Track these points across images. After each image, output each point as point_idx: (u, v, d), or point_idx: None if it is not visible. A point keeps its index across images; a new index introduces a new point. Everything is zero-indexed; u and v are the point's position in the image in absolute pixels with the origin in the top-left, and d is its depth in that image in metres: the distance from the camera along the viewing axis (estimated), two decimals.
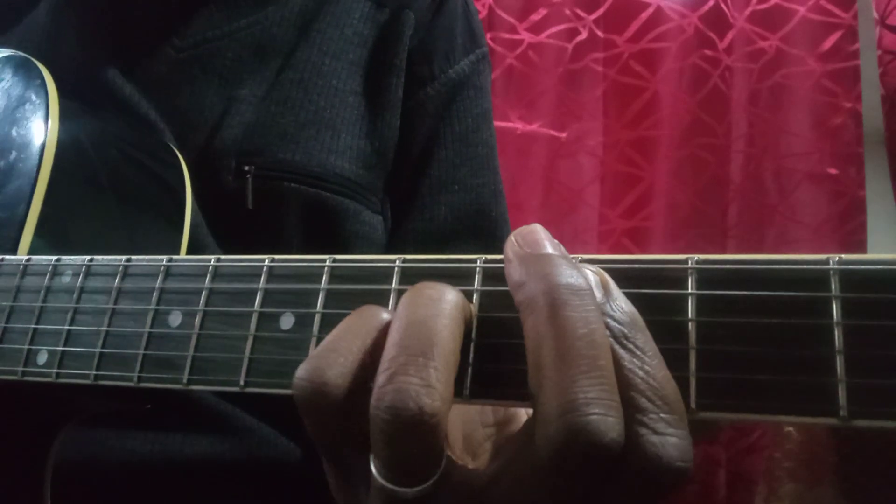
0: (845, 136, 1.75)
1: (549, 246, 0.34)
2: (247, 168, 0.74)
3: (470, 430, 0.48)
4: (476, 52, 0.91)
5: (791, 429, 1.71)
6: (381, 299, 0.39)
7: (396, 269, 0.40)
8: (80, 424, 0.60)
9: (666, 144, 1.83)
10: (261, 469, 0.73)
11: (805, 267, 0.33)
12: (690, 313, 0.34)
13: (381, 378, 0.32)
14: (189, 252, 0.69)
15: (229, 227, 0.74)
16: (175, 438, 0.70)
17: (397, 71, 0.84)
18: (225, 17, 0.83)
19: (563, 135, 1.85)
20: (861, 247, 1.69)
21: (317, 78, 0.81)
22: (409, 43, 0.85)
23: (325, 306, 0.40)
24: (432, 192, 0.83)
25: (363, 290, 0.40)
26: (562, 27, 1.89)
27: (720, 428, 1.66)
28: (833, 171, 1.74)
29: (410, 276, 0.39)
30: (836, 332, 0.31)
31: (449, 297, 0.35)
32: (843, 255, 0.32)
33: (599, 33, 1.89)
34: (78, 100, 0.71)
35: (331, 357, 0.34)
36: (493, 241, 0.83)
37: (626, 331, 0.32)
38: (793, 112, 1.80)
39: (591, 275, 0.34)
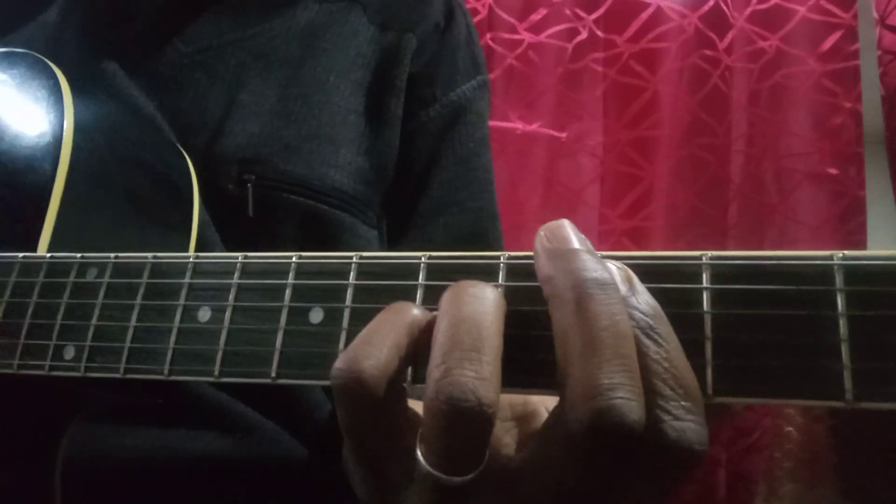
0: (845, 136, 1.76)
1: (576, 241, 0.36)
2: (247, 177, 0.75)
3: None
4: (477, 79, 0.94)
5: (791, 429, 1.71)
6: (407, 294, 0.41)
7: (422, 265, 0.41)
8: (83, 420, 0.60)
9: (666, 144, 1.83)
10: (264, 466, 0.73)
11: (812, 262, 0.35)
12: (706, 306, 0.36)
13: (436, 372, 0.34)
14: (197, 248, 0.70)
15: (226, 230, 0.76)
16: (178, 434, 0.70)
17: (397, 91, 0.86)
18: (231, 25, 0.85)
19: (563, 135, 1.86)
20: (861, 247, 1.68)
21: (320, 94, 0.82)
22: (410, 66, 0.87)
23: (353, 301, 0.42)
24: (431, 213, 0.85)
25: (390, 286, 0.41)
26: (562, 27, 1.90)
27: (729, 417, 1.66)
28: (833, 171, 1.75)
29: (436, 273, 0.41)
30: (840, 323, 0.33)
31: (490, 295, 0.36)
32: (846, 252, 0.34)
33: (599, 33, 1.90)
34: (87, 99, 0.71)
35: (366, 350, 0.36)
36: None
37: (651, 322, 0.34)
38: (793, 112, 1.80)
39: (616, 270, 0.36)
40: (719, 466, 1.70)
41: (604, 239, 1.82)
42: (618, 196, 1.86)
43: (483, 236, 0.86)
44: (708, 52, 1.84)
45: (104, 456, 0.67)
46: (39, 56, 0.70)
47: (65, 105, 0.66)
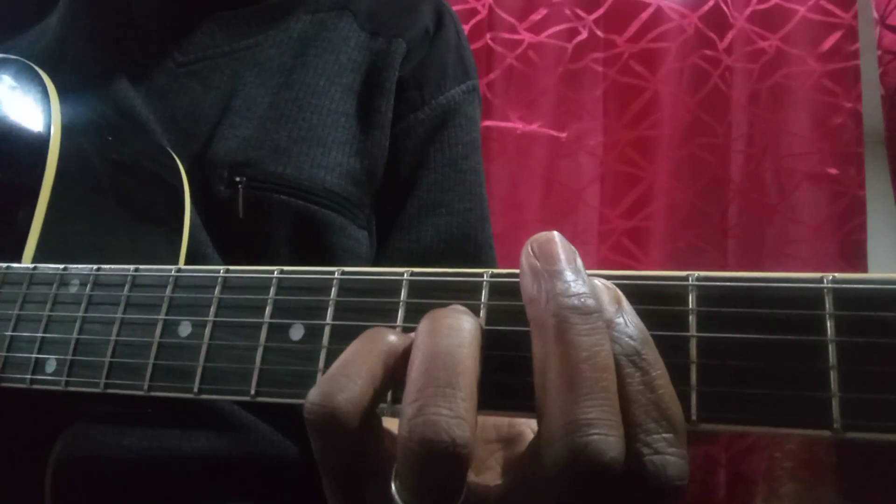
0: (845, 136, 1.76)
1: (564, 259, 0.35)
2: (238, 179, 0.76)
3: None
4: (467, 84, 0.94)
5: None
6: (389, 312, 0.40)
7: (405, 282, 0.40)
8: (79, 421, 0.60)
9: (666, 144, 1.83)
10: (258, 466, 0.74)
11: (800, 285, 0.34)
12: (691, 329, 0.35)
13: (409, 409, 0.33)
14: (188, 253, 0.71)
15: (220, 233, 0.76)
16: (172, 435, 0.70)
17: (386, 94, 0.86)
18: (226, 37, 0.86)
19: (563, 135, 1.86)
20: (861, 247, 1.70)
21: (311, 98, 0.83)
22: (399, 70, 0.88)
23: (334, 318, 0.41)
24: (420, 214, 0.86)
25: (372, 303, 0.40)
26: (562, 27, 1.89)
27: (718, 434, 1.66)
28: (833, 171, 1.75)
29: (419, 290, 0.40)
30: (829, 349, 0.32)
31: (467, 325, 0.35)
32: (836, 275, 0.33)
33: (599, 33, 1.89)
34: (80, 103, 0.72)
35: (341, 382, 0.35)
36: (476, 263, 0.85)
37: (638, 348, 0.33)
38: (793, 112, 1.80)
39: (605, 289, 0.34)
40: (719, 466, 1.70)
41: (603, 239, 1.82)
42: (618, 196, 1.86)
43: (471, 237, 0.86)
44: (708, 52, 1.84)
45: (99, 456, 0.67)
46: (28, 63, 0.71)
47: (52, 112, 0.65)
